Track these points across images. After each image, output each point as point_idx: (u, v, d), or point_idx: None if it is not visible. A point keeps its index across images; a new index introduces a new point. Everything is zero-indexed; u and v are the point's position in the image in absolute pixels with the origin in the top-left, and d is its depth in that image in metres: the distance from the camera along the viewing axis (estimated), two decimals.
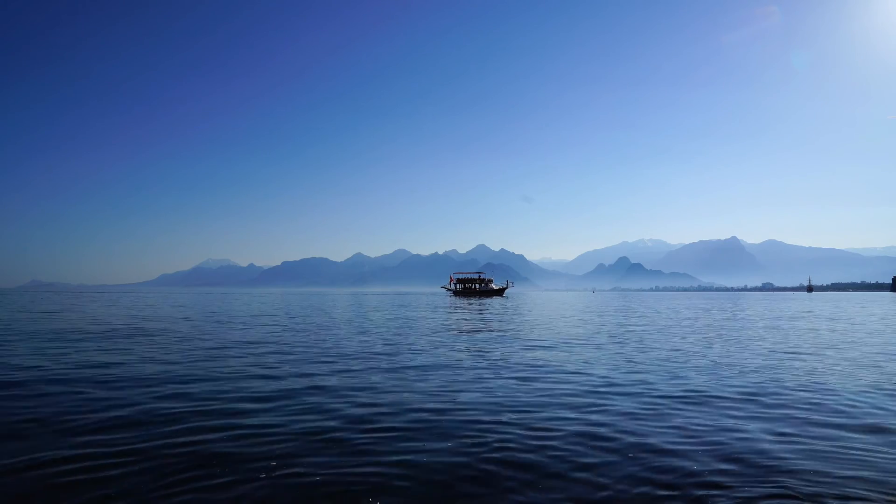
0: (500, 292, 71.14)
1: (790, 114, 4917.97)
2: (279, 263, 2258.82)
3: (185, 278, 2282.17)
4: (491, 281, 71.11)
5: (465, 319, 19.73)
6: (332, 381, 6.49)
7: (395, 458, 3.70)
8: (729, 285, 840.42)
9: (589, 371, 7.38)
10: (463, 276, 72.65)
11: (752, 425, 4.58)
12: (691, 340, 11.95)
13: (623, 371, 7.43)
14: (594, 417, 4.81)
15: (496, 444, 3.97)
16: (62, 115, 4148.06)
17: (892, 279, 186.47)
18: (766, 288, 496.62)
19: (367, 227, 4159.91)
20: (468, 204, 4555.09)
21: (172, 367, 7.63)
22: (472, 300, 48.57)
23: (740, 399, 5.65)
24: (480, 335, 13.06)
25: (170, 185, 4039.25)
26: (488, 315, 22.66)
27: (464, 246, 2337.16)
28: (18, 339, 11.43)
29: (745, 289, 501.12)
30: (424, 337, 12.52)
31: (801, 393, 5.97)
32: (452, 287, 72.14)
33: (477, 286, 70.36)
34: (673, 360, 8.75)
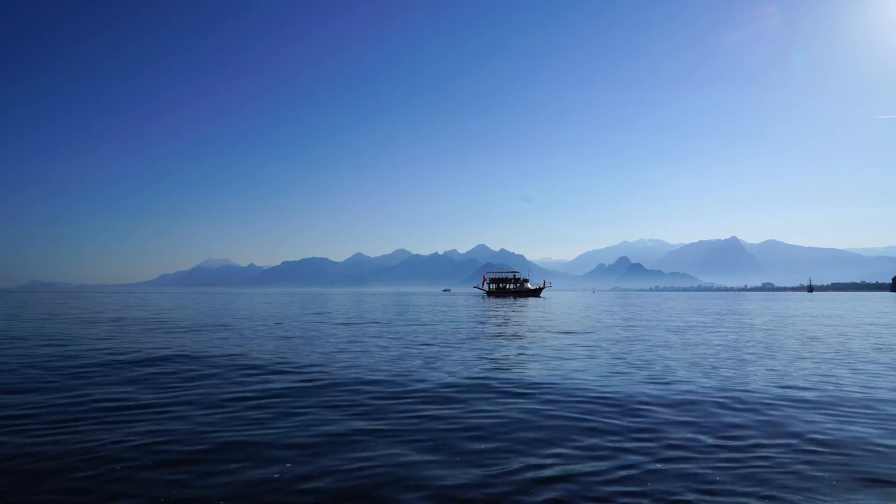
0: (536, 292, 67.35)
1: (790, 114, 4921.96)
2: (279, 263, 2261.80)
3: (185, 278, 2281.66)
4: (526, 280, 67.73)
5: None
6: None
7: None
8: (729, 285, 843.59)
9: None
10: (497, 275, 69.56)
11: None
12: None
13: None
14: None
15: None
16: (62, 115, 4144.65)
17: (893, 279, 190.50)
18: (767, 288, 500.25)
19: (367, 227, 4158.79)
20: (468, 204, 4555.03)
21: None
22: (508, 301, 46.67)
23: None
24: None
25: (170, 185, 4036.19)
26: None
27: (464, 246, 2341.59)
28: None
29: (745, 289, 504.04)
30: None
31: None
32: (486, 287, 69.54)
33: (511, 286, 67.41)
34: None
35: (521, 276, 68.13)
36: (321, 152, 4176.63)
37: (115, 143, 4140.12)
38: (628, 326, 17.38)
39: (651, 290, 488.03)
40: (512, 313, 25.44)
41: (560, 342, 12.24)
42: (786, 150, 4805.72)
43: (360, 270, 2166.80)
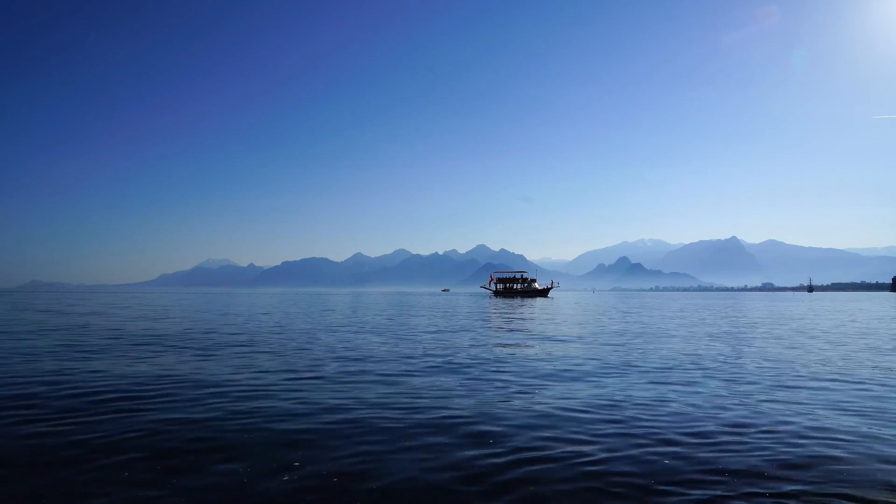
0: (544, 292, 66.98)
1: (790, 114, 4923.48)
2: (279, 263, 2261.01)
3: (185, 278, 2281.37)
4: (534, 280, 67.61)
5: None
6: None
7: None
8: (729, 285, 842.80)
9: None
10: (504, 275, 69.66)
11: None
12: None
13: None
14: None
15: None
16: (62, 115, 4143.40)
17: (893, 279, 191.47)
18: (767, 288, 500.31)
19: (367, 227, 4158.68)
20: (468, 204, 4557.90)
21: None
22: (517, 301, 46.40)
23: None
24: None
25: (170, 185, 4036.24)
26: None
27: (464, 246, 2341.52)
28: None
29: (745, 289, 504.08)
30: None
31: None
32: (493, 287, 69.68)
33: (518, 286, 67.35)
34: None
35: (529, 276, 68.23)
36: (321, 152, 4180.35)
37: (115, 143, 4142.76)
38: (659, 333, 15.03)
39: (651, 290, 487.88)
40: (523, 314, 25.26)
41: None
42: (786, 150, 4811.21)
43: (360, 270, 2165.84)
